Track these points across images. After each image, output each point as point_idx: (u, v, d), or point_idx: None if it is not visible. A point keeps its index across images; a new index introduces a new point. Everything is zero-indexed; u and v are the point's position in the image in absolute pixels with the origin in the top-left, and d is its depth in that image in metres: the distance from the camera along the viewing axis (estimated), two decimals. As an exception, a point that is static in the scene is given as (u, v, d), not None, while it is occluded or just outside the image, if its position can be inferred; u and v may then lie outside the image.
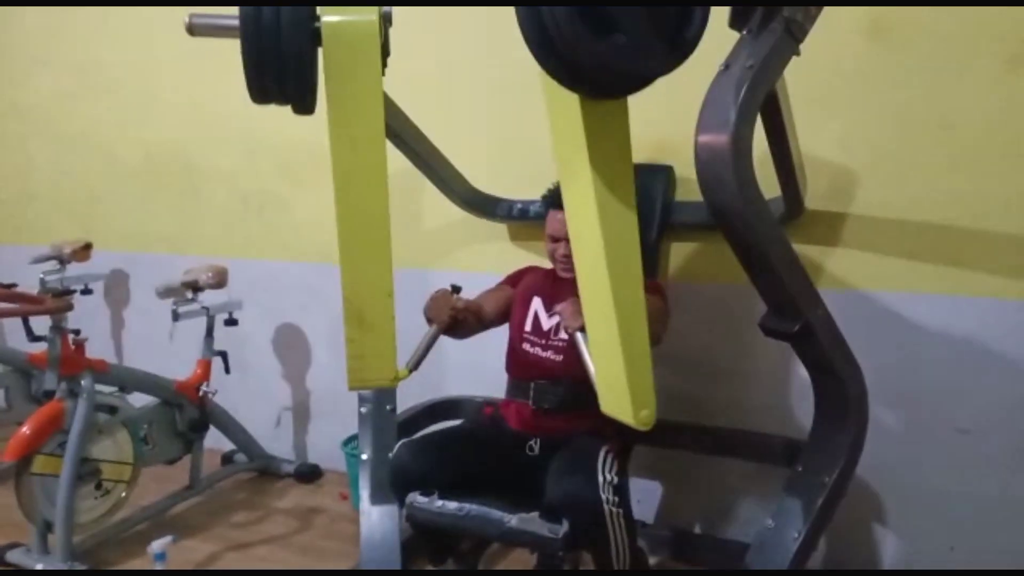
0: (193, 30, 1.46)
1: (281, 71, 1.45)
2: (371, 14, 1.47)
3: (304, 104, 1.55)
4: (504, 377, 2.19)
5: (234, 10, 1.41)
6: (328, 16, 1.44)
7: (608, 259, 1.42)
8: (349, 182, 1.50)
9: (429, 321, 1.94)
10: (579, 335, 1.67)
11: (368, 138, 1.49)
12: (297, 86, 1.48)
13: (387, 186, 1.50)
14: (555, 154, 1.52)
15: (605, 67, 1.24)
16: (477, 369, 2.63)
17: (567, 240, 2.03)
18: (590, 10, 1.16)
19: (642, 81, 1.31)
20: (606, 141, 1.41)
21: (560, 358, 2.05)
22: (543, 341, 2.09)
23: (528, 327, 2.12)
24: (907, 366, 2.21)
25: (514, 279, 2.28)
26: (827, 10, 1.52)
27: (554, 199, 2.06)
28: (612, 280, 1.42)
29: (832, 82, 2.17)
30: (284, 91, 1.49)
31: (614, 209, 1.42)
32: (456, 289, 1.99)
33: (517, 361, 2.13)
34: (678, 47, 1.24)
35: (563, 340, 2.05)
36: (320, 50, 1.46)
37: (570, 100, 1.39)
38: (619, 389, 1.46)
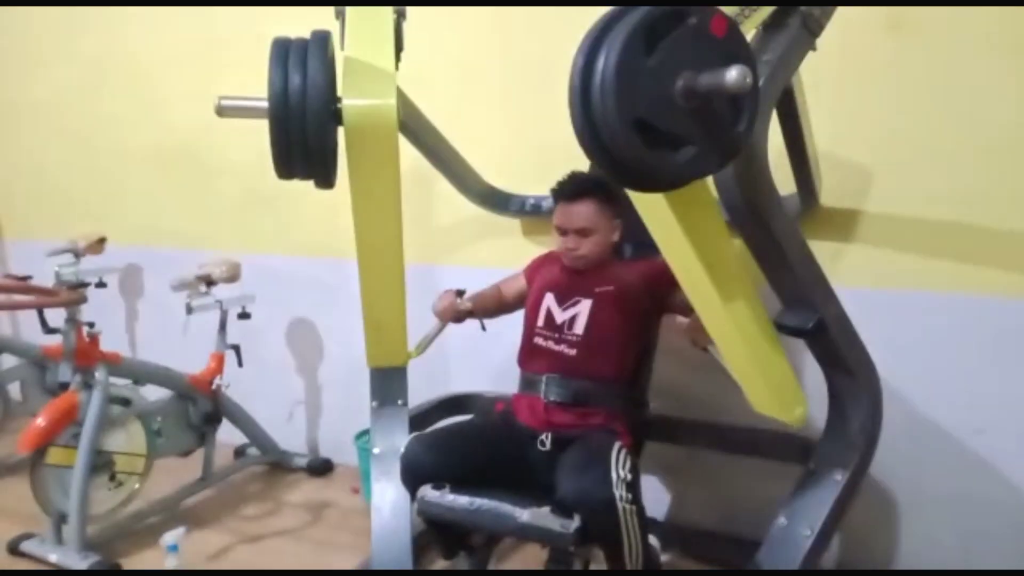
0: (222, 112, 1.54)
1: (306, 152, 1.55)
2: (389, 97, 1.57)
3: (326, 180, 1.63)
4: (515, 373, 2.19)
5: (262, 90, 1.51)
6: (349, 100, 1.54)
7: (718, 290, 1.51)
8: (370, 249, 1.73)
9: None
10: (711, 349, 1.80)
11: (386, 210, 1.67)
12: (320, 165, 1.60)
13: (402, 247, 1.75)
14: (647, 224, 1.57)
15: (677, 179, 1.28)
16: (488, 365, 2.64)
17: (574, 232, 2.05)
18: (652, 133, 1.16)
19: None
20: (694, 210, 1.47)
21: (574, 352, 2.05)
22: (556, 335, 2.08)
23: (541, 322, 2.12)
24: (922, 364, 2.19)
25: (531, 273, 2.30)
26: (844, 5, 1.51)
27: (562, 192, 2.07)
28: (725, 307, 1.52)
29: (848, 77, 2.15)
30: (309, 169, 1.60)
31: (718, 265, 1.51)
32: (460, 293, 2.19)
33: (530, 355, 2.13)
34: (736, 143, 1.26)
35: (576, 335, 2.05)
36: (341, 130, 1.57)
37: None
38: (766, 392, 1.61)
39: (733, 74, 1.09)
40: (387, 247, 1.73)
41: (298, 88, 1.49)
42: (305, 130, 1.51)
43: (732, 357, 1.65)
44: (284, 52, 1.53)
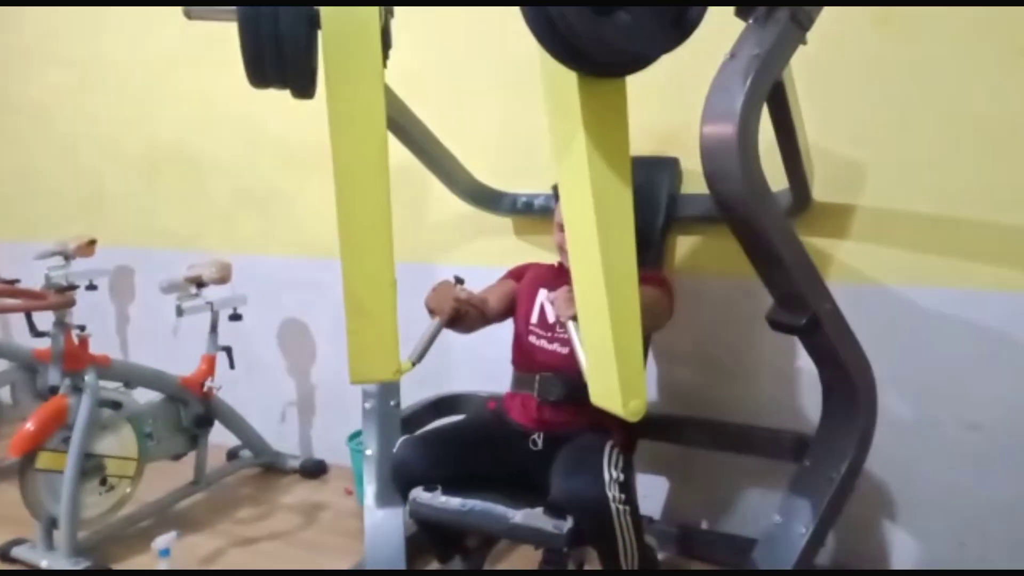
0: (190, 14, 1.44)
1: (279, 54, 1.42)
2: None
3: (303, 88, 1.51)
4: (509, 371, 2.17)
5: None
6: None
7: (602, 246, 1.38)
8: (349, 171, 1.45)
9: (431, 312, 1.92)
10: (571, 324, 1.64)
11: (368, 125, 1.44)
12: (295, 69, 1.45)
13: (388, 174, 1.45)
14: (551, 136, 1.48)
15: (607, 46, 1.22)
16: (481, 364, 2.62)
17: None
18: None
19: (643, 61, 1.29)
20: (604, 123, 1.38)
21: (566, 351, 2.03)
22: (549, 334, 2.07)
23: (534, 320, 2.11)
24: (916, 360, 2.18)
25: (517, 273, 2.26)
26: (835, -2, 1.50)
27: None
28: (605, 268, 1.39)
29: (840, 71, 2.14)
30: (282, 75, 1.46)
31: (610, 194, 1.39)
32: (459, 280, 1.99)
33: (523, 354, 2.12)
34: (680, 27, 1.22)
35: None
36: (319, 33, 1.42)
37: (568, 80, 1.36)
38: (609, 379, 1.42)
39: None
40: (370, 175, 1.44)
41: None
42: (278, 32, 1.39)
43: (593, 336, 1.50)
44: None
